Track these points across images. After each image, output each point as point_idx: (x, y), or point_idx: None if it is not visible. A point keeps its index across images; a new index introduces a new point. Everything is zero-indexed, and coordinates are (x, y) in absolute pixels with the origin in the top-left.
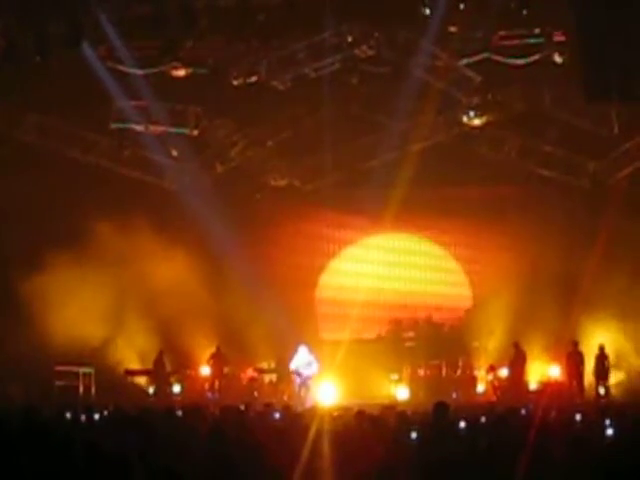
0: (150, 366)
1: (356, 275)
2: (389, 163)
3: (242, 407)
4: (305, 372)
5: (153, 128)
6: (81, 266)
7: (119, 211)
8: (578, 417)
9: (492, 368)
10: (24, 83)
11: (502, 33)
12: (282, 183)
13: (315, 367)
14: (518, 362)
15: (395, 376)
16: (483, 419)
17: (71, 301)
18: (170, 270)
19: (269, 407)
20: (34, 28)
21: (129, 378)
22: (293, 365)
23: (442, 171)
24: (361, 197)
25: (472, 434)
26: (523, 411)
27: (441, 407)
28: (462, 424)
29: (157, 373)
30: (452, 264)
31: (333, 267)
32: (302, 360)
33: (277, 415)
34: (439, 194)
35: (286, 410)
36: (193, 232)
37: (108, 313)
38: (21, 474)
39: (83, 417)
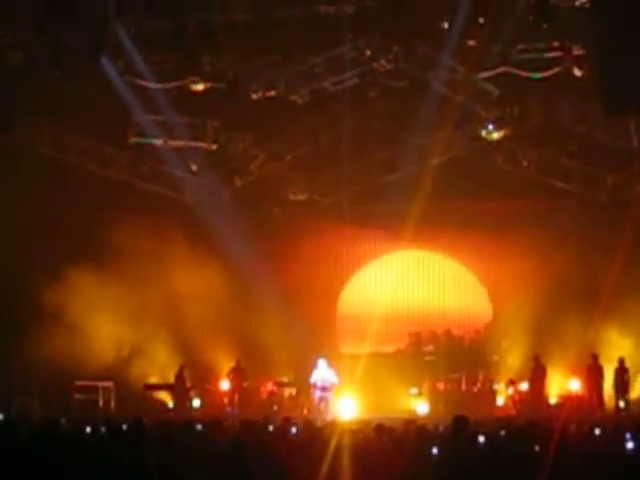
0: (170, 380)
1: (376, 289)
2: (408, 177)
3: (262, 421)
4: (324, 383)
5: (172, 142)
6: (101, 281)
7: (139, 226)
8: (597, 431)
9: (512, 382)
10: (42, 97)
11: (521, 46)
12: (301, 197)
13: (334, 377)
14: (538, 376)
15: (415, 390)
16: (503, 432)
17: (92, 315)
18: (189, 285)
19: (289, 421)
20: (52, 42)
21: (149, 392)
22: (313, 378)
23: (461, 185)
24: (380, 211)
25: (492, 448)
26: (543, 425)
27: (461, 421)
28: (482, 438)
29: (177, 387)
30: (471, 278)
31: (353, 282)
32: (321, 373)
33: (297, 429)
34: (458, 208)
35: (306, 424)
36: (212, 246)
37: (128, 327)
38: None
39: (102, 430)
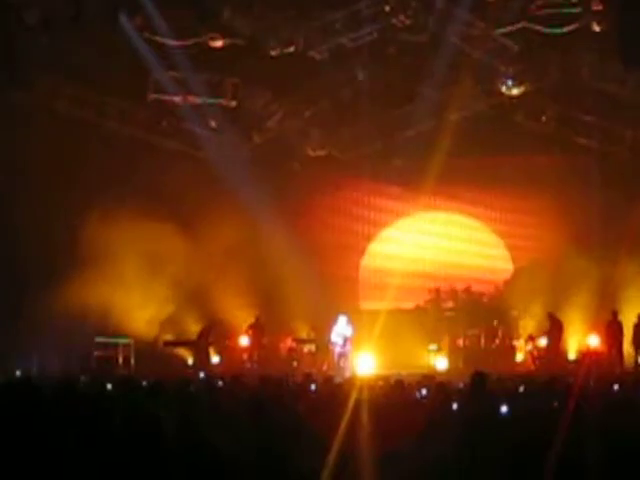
0: (188, 337)
1: (396, 245)
2: (426, 133)
3: (281, 377)
4: (341, 339)
5: (191, 99)
6: (119, 236)
7: (156, 182)
8: (616, 387)
9: (531, 338)
10: (61, 55)
11: (540, 2)
12: (320, 153)
13: (350, 330)
14: (555, 332)
15: (434, 346)
16: (522, 388)
17: (111, 271)
18: (208, 242)
19: (308, 378)
20: None
21: (168, 349)
22: (333, 337)
23: (480, 141)
24: (399, 167)
25: (510, 402)
26: (562, 381)
27: (479, 377)
28: (500, 393)
29: (196, 344)
30: (490, 234)
31: (373, 238)
32: (340, 330)
33: (317, 385)
34: (477, 164)
35: (325, 381)
36: (231, 203)
37: (147, 286)
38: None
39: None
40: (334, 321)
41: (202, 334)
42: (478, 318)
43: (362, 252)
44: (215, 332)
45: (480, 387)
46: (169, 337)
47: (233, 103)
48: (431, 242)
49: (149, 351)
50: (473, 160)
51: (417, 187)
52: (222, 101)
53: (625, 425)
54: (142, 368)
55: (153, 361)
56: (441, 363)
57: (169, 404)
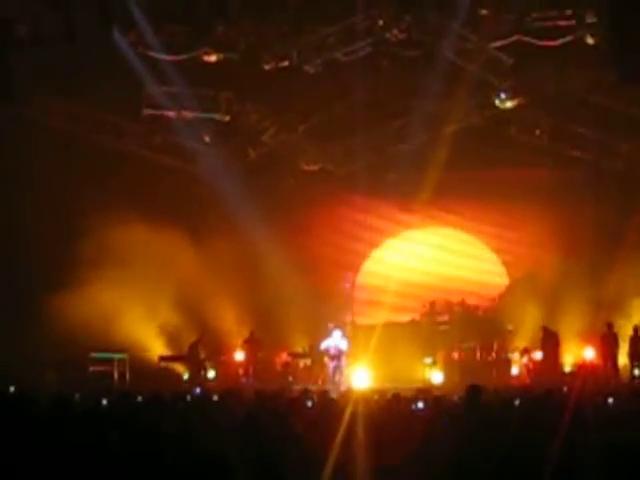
0: (185, 352)
1: (391, 257)
2: (420, 147)
3: (277, 392)
4: (336, 349)
5: (185, 114)
6: (113, 256)
7: (150, 197)
8: (611, 400)
9: (526, 351)
10: (55, 71)
11: (533, 15)
12: (314, 167)
13: (345, 345)
14: (549, 345)
15: (429, 360)
16: (517, 402)
17: (107, 287)
18: (203, 257)
19: (304, 392)
20: (63, 13)
21: (163, 364)
22: (325, 345)
23: (474, 154)
24: (393, 181)
25: (505, 417)
26: (557, 394)
27: (475, 390)
28: (496, 407)
29: (192, 359)
30: (485, 248)
31: (372, 250)
32: (334, 341)
33: (313, 400)
34: (471, 177)
35: (321, 396)
36: (226, 218)
37: (143, 300)
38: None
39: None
40: (329, 335)
41: (192, 346)
42: (473, 331)
43: (357, 266)
44: (205, 343)
45: (476, 400)
46: (165, 352)
47: (227, 118)
48: (426, 255)
49: (145, 366)
50: (467, 174)
51: (412, 201)
52: (216, 116)
53: (621, 437)
54: (138, 383)
55: (149, 376)
56: (437, 376)
57: (165, 418)
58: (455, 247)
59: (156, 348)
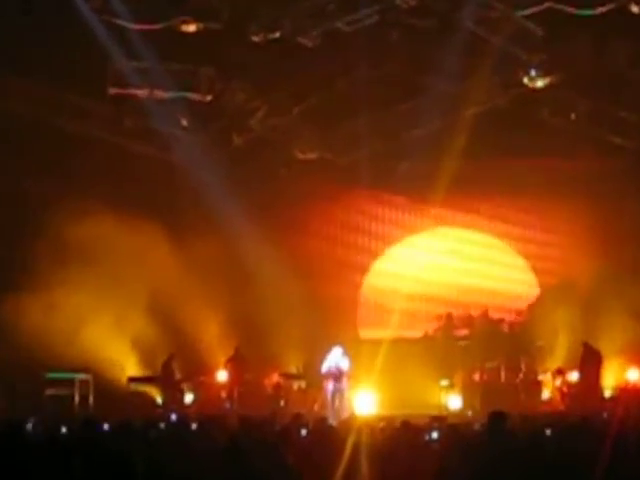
0: (157, 372)
1: (401, 264)
2: (436, 132)
3: (266, 419)
4: (338, 370)
5: (158, 93)
6: (76, 256)
7: (120, 189)
8: None
9: (560, 371)
10: (8, 45)
11: None
12: (311, 156)
13: (346, 364)
14: (589, 364)
15: (445, 382)
16: (548, 432)
17: (66, 297)
18: (182, 259)
19: (298, 419)
20: None
21: (133, 386)
22: (325, 367)
23: (499, 142)
24: (405, 172)
25: (535, 449)
26: (596, 422)
27: (499, 418)
28: (523, 437)
29: (166, 380)
30: (511, 251)
31: (378, 255)
32: (334, 360)
33: (307, 428)
34: (495, 168)
35: (318, 422)
36: (207, 215)
37: (111, 308)
38: None
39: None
40: (327, 353)
41: (166, 365)
42: (497, 349)
43: (361, 273)
44: (180, 361)
45: (500, 429)
46: (135, 372)
47: (208, 98)
48: (442, 262)
49: (111, 389)
50: (490, 164)
51: (426, 197)
52: (196, 96)
53: None
54: (103, 409)
55: (116, 400)
56: (454, 401)
57: (136, 449)
58: (476, 251)
59: (125, 367)
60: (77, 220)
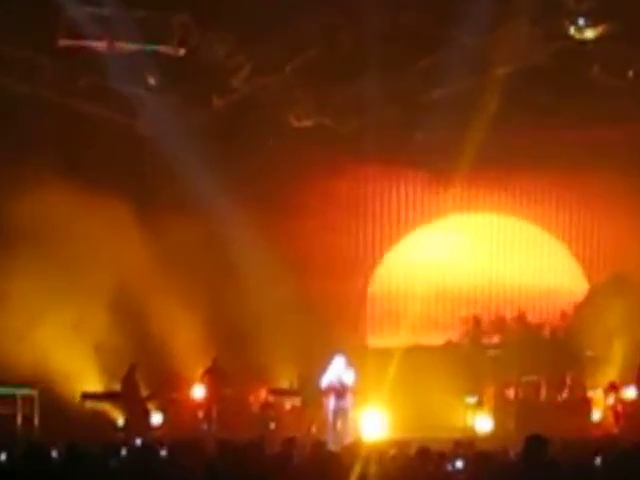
0: (118, 387)
1: (418, 257)
2: (461, 95)
3: (252, 444)
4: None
5: (121, 46)
6: (22, 238)
7: (75, 161)
8: None
9: (614, 387)
10: None
11: None
12: (307, 123)
13: (351, 377)
14: None
15: (473, 399)
16: (598, 460)
17: (6, 291)
18: (149, 248)
19: (291, 444)
20: None
21: (88, 404)
22: (326, 381)
23: (537, 106)
24: (421, 142)
25: None
26: None
27: (537, 443)
28: (568, 467)
29: (128, 397)
30: (553, 242)
31: (391, 244)
32: (336, 374)
33: (303, 455)
34: (532, 138)
35: (316, 448)
36: (181, 194)
37: (60, 308)
38: None
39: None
40: (328, 364)
41: (128, 378)
42: (537, 359)
43: (369, 266)
44: (150, 377)
45: (539, 457)
46: (90, 387)
47: (182, 52)
48: (468, 250)
49: (62, 407)
50: (526, 135)
51: (447, 174)
52: (166, 49)
53: None
54: (51, 431)
55: (67, 421)
56: (483, 423)
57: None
58: (509, 239)
59: (79, 380)
60: (24, 195)
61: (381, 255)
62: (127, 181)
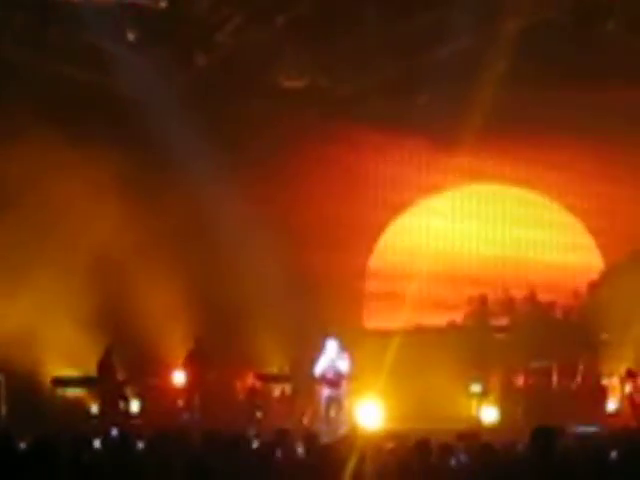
0: (91, 372)
1: (420, 232)
2: (467, 52)
3: (238, 435)
4: (336, 374)
5: None
6: None
7: (42, 126)
8: None
9: (631, 374)
10: None
11: None
12: (300, 83)
13: (346, 363)
14: None
15: (477, 386)
16: (614, 454)
17: None
18: (126, 218)
19: (280, 435)
20: None
21: (59, 390)
22: (319, 369)
23: (551, 64)
24: (424, 105)
25: (595, 477)
26: None
27: (547, 435)
28: (580, 461)
29: (103, 382)
30: (566, 216)
31: (391, 217)
32: (330, 360)
33: (293, 447)
34: (544, 100)
35: (308, 440)
36: (161, 160)
37: (28, 281)
38: None
39: None
40: (320, 348)
41: (104, 362)
42: (547, 343)
43: (367, 242)
44: (127, 361)
45: (549, 450)
46: (61, 371)
47: (163, 4)
48: (474, 224)
49: (30, 394)
50: (538, 97)
51: (452, 140)
52: (146, 1)
53: None
54: (19, 421)
55: (37, 409)
56: (489, 413)
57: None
58: (519, 212)
59: (50, 364)
60: None
61: (379, 230)
62: (100, 145)
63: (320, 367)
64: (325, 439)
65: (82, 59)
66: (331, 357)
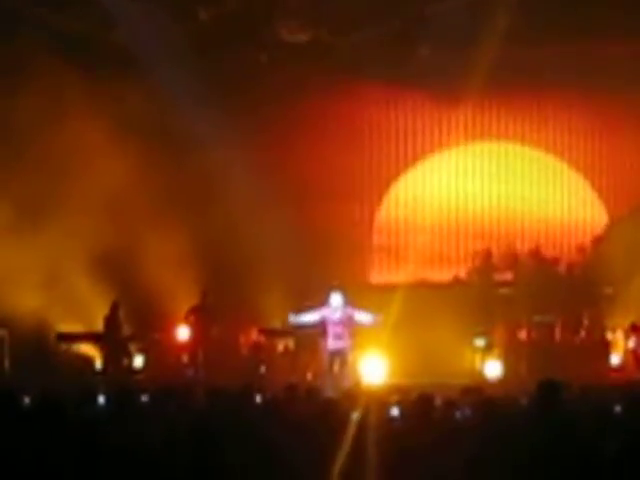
0: (96, 328)
1: (425, 186)
2: (470, 3)
3: (242, 390)
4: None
5: None
6: None
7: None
8: None
9: (635, 328)
10: None
11: None
12: (302, 37)
13: (367, 316)
14: None
15: (481, 340)
16: (618, 408)
17: None
18: (125, 176)
19: (285, 390)
20: None
21: (63, 345)
22: (322, 313)
23: (562, 15)
24: (427, 58)
25: (599, 431)
26: None
27: (551, 389)
28: (584, 415)
29: (108, 337)
30: (570, 170)
31: (396, 173)
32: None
33: (297, 401)
34: (553, 53)
35: (311, 395)
36: (162, 117)
37: (26, 243)
38: None
39: None
40: (324, 302)
41: (110, 319)
42: (551, 298)
43: (372, 196)
44: (131, 315)
45: (553, 404)
46: (65, 327)
47: None
48: (479, 180)
49: (34, 349)
50: (548, 51)
51: (455, 95)
52: None
53: None
54: (23, 376)
55: (41, 365)
56: (493, 367)
57: (66, 432)
58: (523, 168)
59: (53, 319)
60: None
61: (384, 185)
62: (101, 98)
63: (323, 313)
64: (329, 393)
65: (83, 15)
66: (334, 308)
